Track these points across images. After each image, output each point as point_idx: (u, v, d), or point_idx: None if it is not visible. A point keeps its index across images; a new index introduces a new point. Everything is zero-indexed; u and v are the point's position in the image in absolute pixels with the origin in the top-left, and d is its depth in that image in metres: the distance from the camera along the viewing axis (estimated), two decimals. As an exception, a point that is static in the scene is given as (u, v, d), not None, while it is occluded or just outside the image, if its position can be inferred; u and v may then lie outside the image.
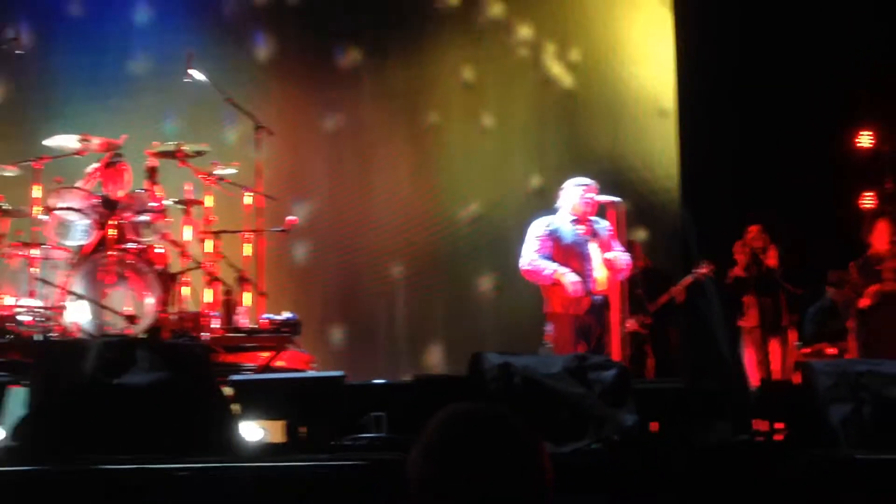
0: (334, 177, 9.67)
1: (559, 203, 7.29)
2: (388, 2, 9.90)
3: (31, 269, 7.17)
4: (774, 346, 8.71)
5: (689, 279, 8.57)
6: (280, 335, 7.35)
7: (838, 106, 9.36)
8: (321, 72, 9.80)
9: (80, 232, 7.39)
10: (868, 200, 9.71)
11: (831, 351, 8.65)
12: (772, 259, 8.62)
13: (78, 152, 7.56)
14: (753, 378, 8.50)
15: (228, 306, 7.45)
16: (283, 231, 7.90)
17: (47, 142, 7.59)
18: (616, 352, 7.03)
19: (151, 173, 7.62)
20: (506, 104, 10.00)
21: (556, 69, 10.08)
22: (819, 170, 9.36)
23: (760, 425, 6.13)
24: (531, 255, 7.08)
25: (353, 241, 9.59)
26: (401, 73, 9.87)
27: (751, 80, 9.34)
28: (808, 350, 8.77)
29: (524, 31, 10.09)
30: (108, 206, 7.44)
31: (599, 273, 7.07)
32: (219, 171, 7.72)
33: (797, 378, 7.74)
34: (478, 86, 9.98)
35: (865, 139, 9.73)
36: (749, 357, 8.76)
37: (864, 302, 8.12)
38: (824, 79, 9.29)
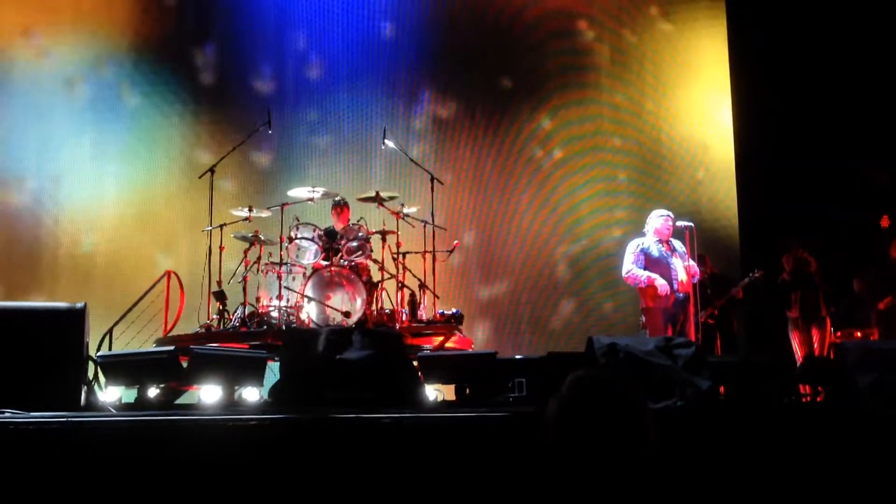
0: (484, 212, 9.68)
1: (647, 228, 7.18)
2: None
3: (279, 281, 7.37)
4: (815, 331, 8.31)
5: (746, 281, 8.26)
6: (449, 324, 7.34)
7: (862, 149, 8.92)
8: (475, 137, 9.84)
9: (312, 254, 7.58)
10: (886, 221, 9.20)
11: (858, 334, 8.25)
12: (812, 265, 8.27)
13: (309, 199, 7.79)
14: (799, 355, 8.16)
15: (413, 304, 7.47)
16: (449, 251, 7.94)
17: (290, 192, 7.83)
18: (693, 334, 6.85)
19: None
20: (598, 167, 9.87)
21: (638, 132, 9.89)
22: (846, 197, 8.93)
23: (805, 389, 5.88)
24: (629, 266, 6.97)
25: (500, 258, 9.58)
26: (518, 144, 9.86)
27: (792, 135, 8.97)
28: (840, 333, 8.36)
29: (621, 100, 9.96)
30: (330, 236, 7.62)
31: (681, 277, 6.92)
32: (405, 210, 7.82)
33: (832, 355, 7.39)
34: (583, 160, 9.86)
35: (883, 175, 9.27)
36: (795, 339, 8.39)
37: (882, 305, 7.76)
38: (851, 130, 8.86)
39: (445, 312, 7.46)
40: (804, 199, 8.89)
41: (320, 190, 7.74)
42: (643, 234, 7.17)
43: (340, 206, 7.79)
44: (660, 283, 6.76)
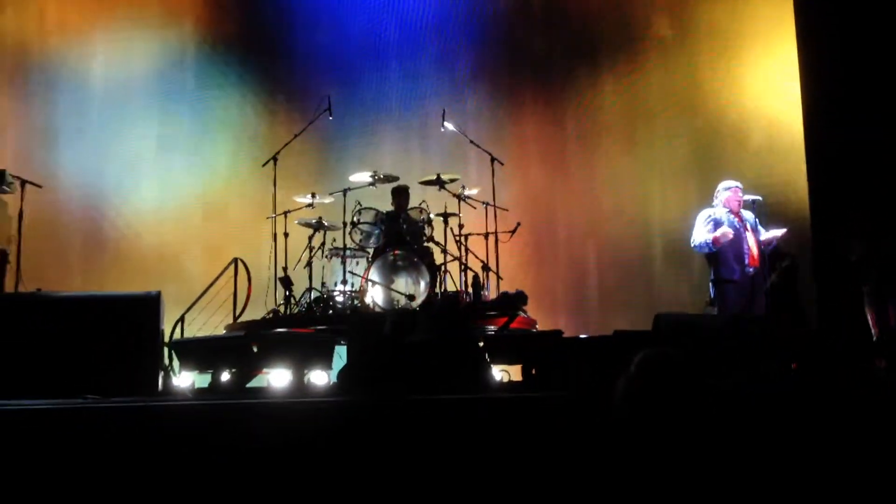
0: (547, 191, 9.62)
1: (716, 200, 7.10)
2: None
3: (343, 266, 7.47)
4: (891, 306, 8.04)
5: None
6: (510, 305, 7.30)
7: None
8: (535, 115, 9.78)
9: (375, 238, 7.68)
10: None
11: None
12: (886, 239, 7.98)
13: (371, 184, 7.88)
14: (875, 330, 7.94)
15: (476, 286, 7.53)
16: (511, 232, 7.96)
17: (351, 177, 7.93)
18: (763, 309, 6.73)
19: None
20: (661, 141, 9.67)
21: (702, 105, 9.64)
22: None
23: (881, 364, 5.77)
24: (700, 234, 6.93)
25: (563, 237, 9.53)
26: (576, 120, 9.76)
27: (864, 105, 8.61)
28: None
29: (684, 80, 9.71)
30: (393, 219, 7.70)
31: (753, 251, 6.83)
32: (467, 192, 7.86)
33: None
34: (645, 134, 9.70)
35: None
36: (870, 314, 8.15)
37: None
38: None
39: (509, 293, 7.48)
40: (877, 171, 8.58)
41: (381, 175, 7.82)
42: (710, 206, 7.09)
43: (400, 192, 7.85)
44: (722, 230, 6.69)
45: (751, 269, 6.79)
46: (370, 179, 7.80)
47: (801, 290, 7.88)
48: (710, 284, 6.94)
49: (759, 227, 6.99)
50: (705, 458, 1.93)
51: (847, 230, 8.12)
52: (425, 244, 7.61)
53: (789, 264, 7.75)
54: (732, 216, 6.93)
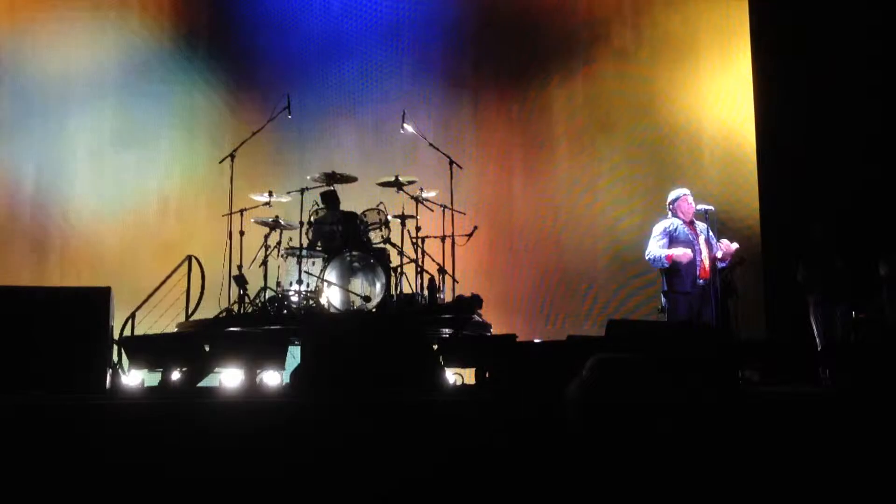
0: (505, 196, 9.65)
1: (669, 209, 7.16)
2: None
3: (299, 265, 7.36)
4: (837, 315, 8.16)
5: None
6: (468, 309, 7.32)
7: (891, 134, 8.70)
8: (495, 121, 9.80)
9: (332, 238, 7.61)
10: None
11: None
12: (833, 249, 8.12)
13: (328, 184, 7.81)
14: (820, 339, 8.07)
15: (432, 288, 7.48)
16: (468, 236, 7.96)
17: (309, 177, 7.85)
18: (714, 319, 6.82)
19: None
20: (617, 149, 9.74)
21: (657, 117, 9.73)
22: (873, 178, 8.73)
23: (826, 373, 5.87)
24: (654, 247, 6.98)
25: (519, 242, 9.56)
26: (535, 127, 9.80)
27: (816, 118, 8.80)
28: (863, 316, 8.17)
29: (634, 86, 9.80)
30: (350, 219, 7.65)
31: (706, 262, 6.90)
32: (425, 194, 7.84)
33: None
34: (602, 142, 9.76)
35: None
36: (816, 322, 8.28)
37: None
38: (880, 114, 8.65)
39: (464, 296, 7.47)
40: (828, 182, 8.75)
41: (338, 175, 7.76)
42: (666, 216, 7.16)
43: (326, 196, 7.75)
44: (679, 252, 6.75)
45: (701, 281, 6.86)
46: (328, 179, 7.73)
47: (727, 302, 7.97)
48: (662, 295, 7.01)
49: (713, 238, 7.06)
50: (656, 461, 1.95)
51: (794, 250, 8.25)
52: (379, 245, 7.57)
53: (725, 275, 7.86)
54: (686, 228, 6.99)
